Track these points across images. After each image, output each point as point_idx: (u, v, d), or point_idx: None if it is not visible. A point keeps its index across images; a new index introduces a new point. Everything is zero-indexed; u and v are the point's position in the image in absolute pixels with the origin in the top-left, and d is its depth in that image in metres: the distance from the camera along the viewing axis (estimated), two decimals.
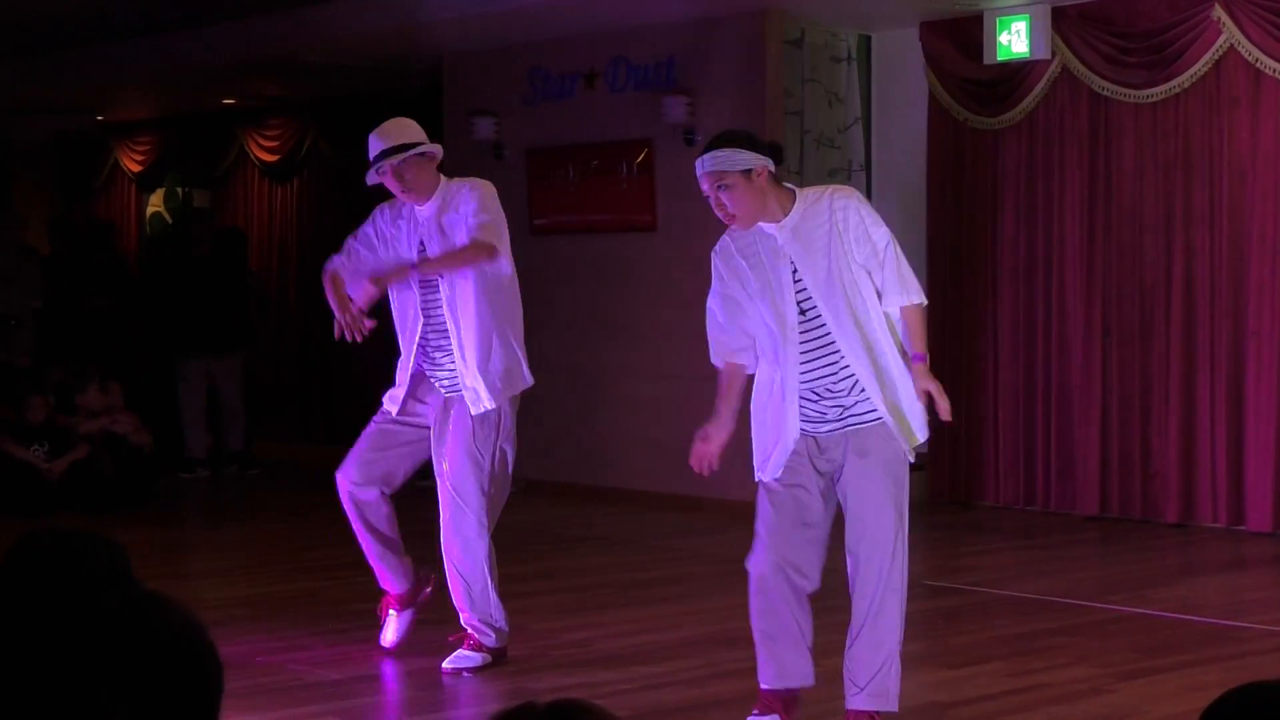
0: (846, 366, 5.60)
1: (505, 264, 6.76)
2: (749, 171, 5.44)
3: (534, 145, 12.28)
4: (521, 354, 6.77)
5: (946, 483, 11.70)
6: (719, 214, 5.50)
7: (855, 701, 5.65)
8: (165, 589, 2.41)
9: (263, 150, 15.93)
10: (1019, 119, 11.22)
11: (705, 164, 5.47)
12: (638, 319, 11.72)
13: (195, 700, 2.25)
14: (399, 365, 6.79)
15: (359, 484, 6.70)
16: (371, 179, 6.75)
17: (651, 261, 11.59)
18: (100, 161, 18.20)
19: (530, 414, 12.31)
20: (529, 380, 6.85)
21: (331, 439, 12.43)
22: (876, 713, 5.64)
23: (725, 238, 5.64)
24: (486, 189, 6.78)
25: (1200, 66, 10.30)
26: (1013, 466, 11.36)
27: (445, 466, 6.69)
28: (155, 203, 17.72)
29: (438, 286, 6.67)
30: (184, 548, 10.52)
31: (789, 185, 5.63)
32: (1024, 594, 8.42)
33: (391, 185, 6.68)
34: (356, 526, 6.77)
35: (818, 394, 5.59)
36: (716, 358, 5.72)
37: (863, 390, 5.64)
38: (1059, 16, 10.88)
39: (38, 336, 14.29)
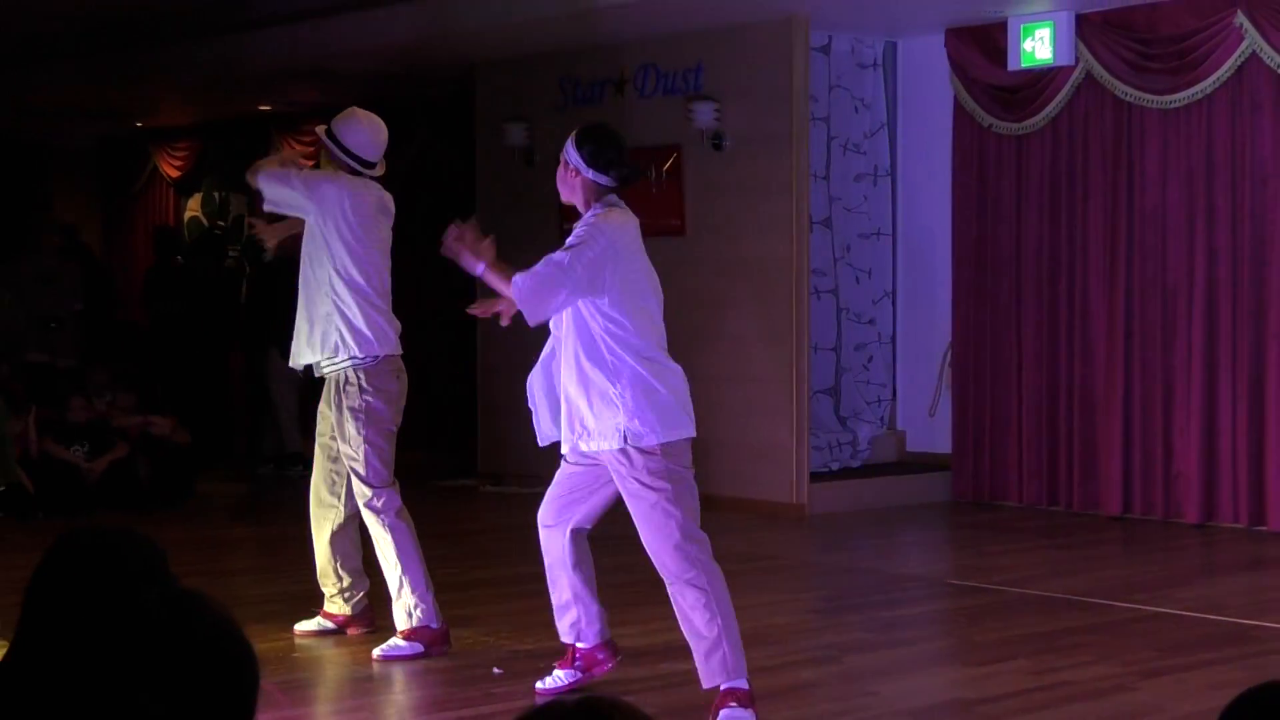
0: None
1: None
2: (566, 163, 5.97)
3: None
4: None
5: (971, 483, 11.68)
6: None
7: None
8: (203, 586, 2.42)
9: (298, 154, 15.96)
10: (1043, 124, 11.19)
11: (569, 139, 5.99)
12: (667, 321, 11.67)
13: (231, 695, 2.26)
14: None
15: None
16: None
17: (680, 264, 11.57)
18: (139, 166, 18.28)
19: None
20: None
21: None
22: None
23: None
24: None
25: (1223, 72, 10.26)
26: (1036, 467, 11.34)
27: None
28: (193, 207, 17.78)
29: None
30: (223, 546, 10.55)
31: (610, 201, 5.98)
32: (1048, 593, 8.40)
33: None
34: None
35: None
36: None
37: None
38: (1082, 23, 10.85)
39: (84, 338, 14.35)
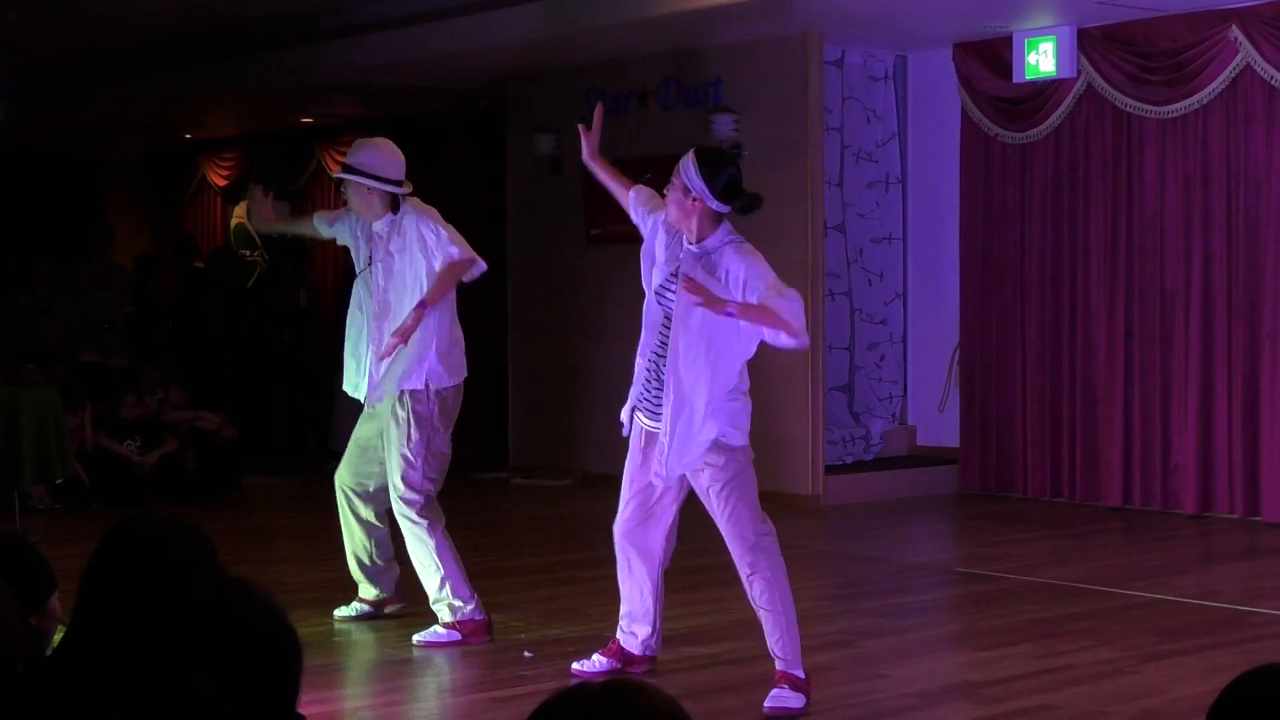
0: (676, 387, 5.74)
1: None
2: (688, 190, 5.73)
3: None
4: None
5: (978, 476, 11.66)
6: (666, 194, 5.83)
7: None
8: (249, 574, 2.43)
9: (338, 165, 15.98)
10: (1046, 134, 11.16)
11: (683, 160, 5.81)
12: None
13: (277, 677, 2.27)
14: None
15: None
16: (339, 175, 7.08)
17: None
18: (188, 176, 18.33)
19: (590, 411, 12.35)
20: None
21: None
22: None
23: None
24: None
25: (1219, 84, 10.23)
26: (1040, 461, 11.31)
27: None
28: (239, 214, 17.82)
29: None
30: (268, 536, 10.58)
31: (726, 228, 5.81)
32: (1051, 580, 8.38)
33: (350, 194, 6.98)
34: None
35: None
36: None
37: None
38: (1084, 37, 10.83)
39: (131, 338, 14.40)
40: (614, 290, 11.86)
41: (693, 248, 5.78)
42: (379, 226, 6.93)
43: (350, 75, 13.04)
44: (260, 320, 14.85)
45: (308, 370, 14.35)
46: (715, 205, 5.73)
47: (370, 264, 6.93)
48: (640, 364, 5.95)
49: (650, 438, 5.90)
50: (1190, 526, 10.25)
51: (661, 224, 5.93)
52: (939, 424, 12.14)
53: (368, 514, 7.11)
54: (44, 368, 12.42)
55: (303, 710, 2.34)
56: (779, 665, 5.78)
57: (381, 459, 6.94)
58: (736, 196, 5.77)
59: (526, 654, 6.60)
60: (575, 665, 6.28)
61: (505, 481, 12.58)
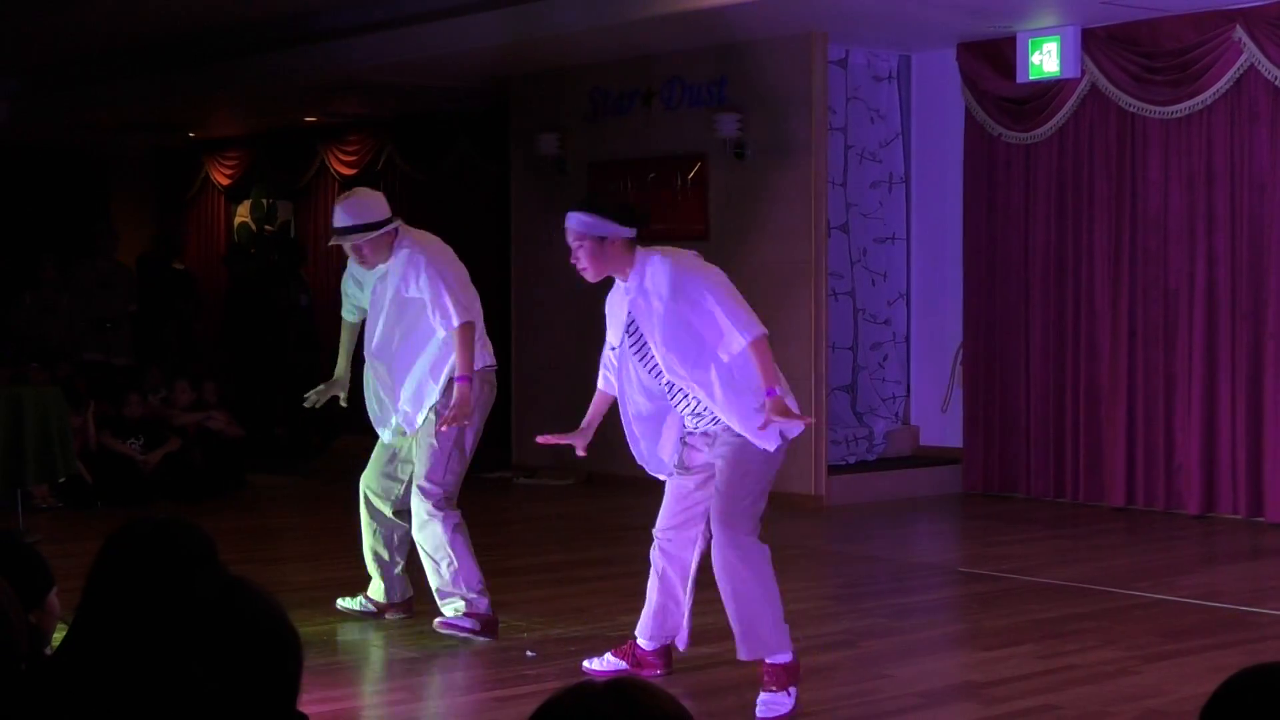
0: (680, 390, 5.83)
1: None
2: (602, 239, 5.78)
3: (594, 159, 12.30)
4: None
5: (981, 476, 11.66)
6: (574, 263, 5.89)
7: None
8: (252, 573, 2.43)
9: (342, 164, 16.02)
10: (1050, 134, 11.16)
11: (568, 222, 5.85)
12: None
13: (278, 675, 2.27)
14: None
15: None
16: (335, 242, 6.99)
17: None
18: (192, 175, 18.35)
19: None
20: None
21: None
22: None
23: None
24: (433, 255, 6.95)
25: (1222, 84, 10.22)
26: (1044, 461, 11.31)
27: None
28: (242, 213, 17.84)
29: None
30: (272, 534, 10.58)
31: (640, 251, 5.85)
32: (1055, 581, 8.37)
33: (352, 253, 6.93)
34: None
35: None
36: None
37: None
38: (1088, 37, 10.82)
39: (137, 338, 14.42)
40: None
41: (626, 286, 5.87)
42: (383, 267, 6.95)
43: (354, 74, 13.04)
44: (260, 319, 14.85)
45: (308, 370, 14.35)
46: (628, 233, 5.82)
47: (381, 305, 6.96)
48: (639, 424, 6.01)
49: (704, 440, 5.93)
50: (1194, 527, 10.24)
51: (610, 305, 6.04)
52: (942, 424, 12.14)
53: (388, 511, 7.11)
54: (48, 367, 12.43)
55: (304, 709, 2.34)
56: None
57: (408, 475, 7.02)
58: (631, 214, 5.91)
59: (529, 653, 6.60)
60: (586, 663, 6.28)
61: (509, 481, 12.57)
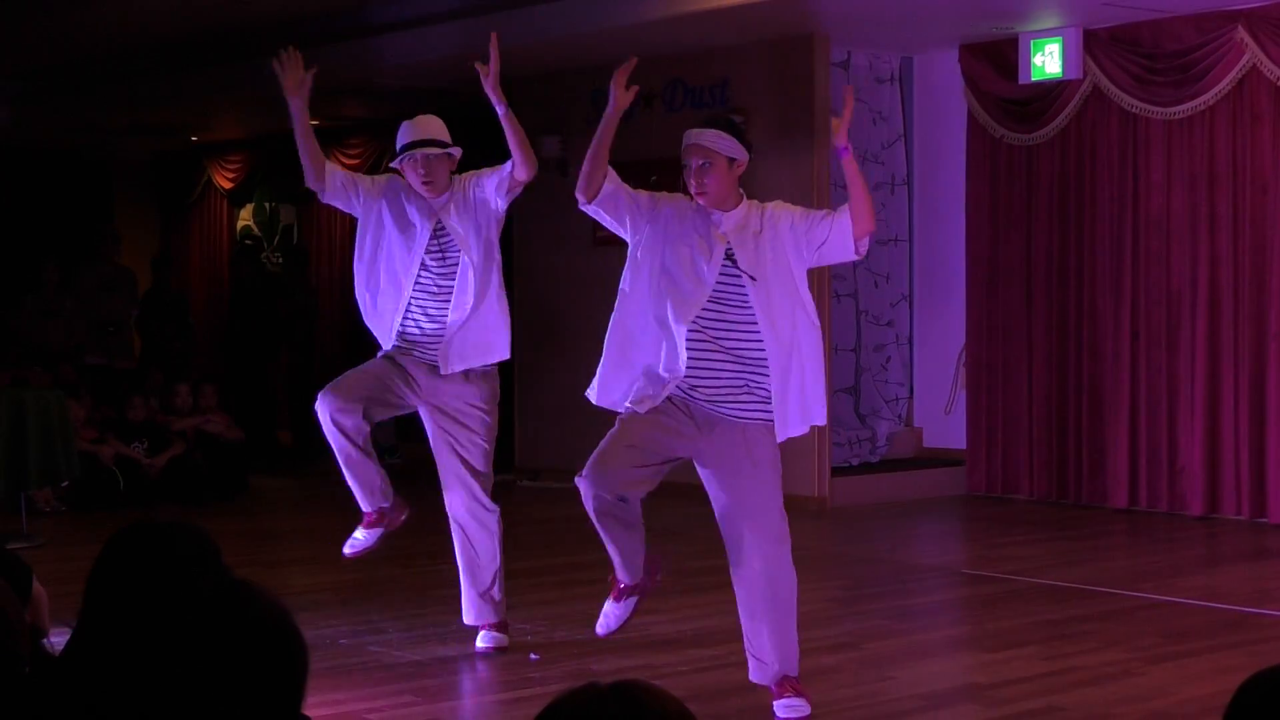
0: (760, 350, 5.57)
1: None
2: (733, 160, 5.54)
3: None
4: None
5: (984, 478, 11.65)
6: (691, 183, 5.57)
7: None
8: (256, 576, 2.42)
9: (345, 167, 15.99)
10: (1052, 135, 11.16)
11: (701, 137, 5.55)
12: None
13: (283, 678, 2.26)
14: None
15: None
16: (398, 162, 6.65)
17: None
18: (194, 179, 18.35)
19: (596, 413, 12.33)
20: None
21: (418, 437, 12.47)
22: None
23: (684, 202, 5.67)
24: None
25: (1225, 85, 10.22)
26: (1046, 462, 11.30)
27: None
28: (245, 217, 17.86)
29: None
30: (275, 537, 10.58)
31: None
32: (1058, 582, 8.37)
33: (414, 175, 6.59)
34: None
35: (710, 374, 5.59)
36: (612, 182, 5.85)
37: (749, 385, 5.61)
38: (1090, 38, 10.82)
39: (143, 341, 14.43)
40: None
41: (725, 217, 5.57)
42: (441, 200, 6.66)
43: (357, 77, 13.04)
44: (264, 324, 14.85)
45: (307, 372, 14.35)
46: (747, 161, 5.61)
47: (434, 239, 6.63)
48: (648, 352, 5.73)
49: (706, 415, 5.67)
50: (1197, 528, 10.24)
51: (669, 217, 5.70)
52: (945, 426, 12.13)
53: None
54: (50, 370, 12.43)
55: (309, 713, 2.34)
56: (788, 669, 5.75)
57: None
58: (748, 145, 5.67)
59: (533, 656, 6.59)
60: (599, 629, 6.13)
61: (512, 484, 12.57)
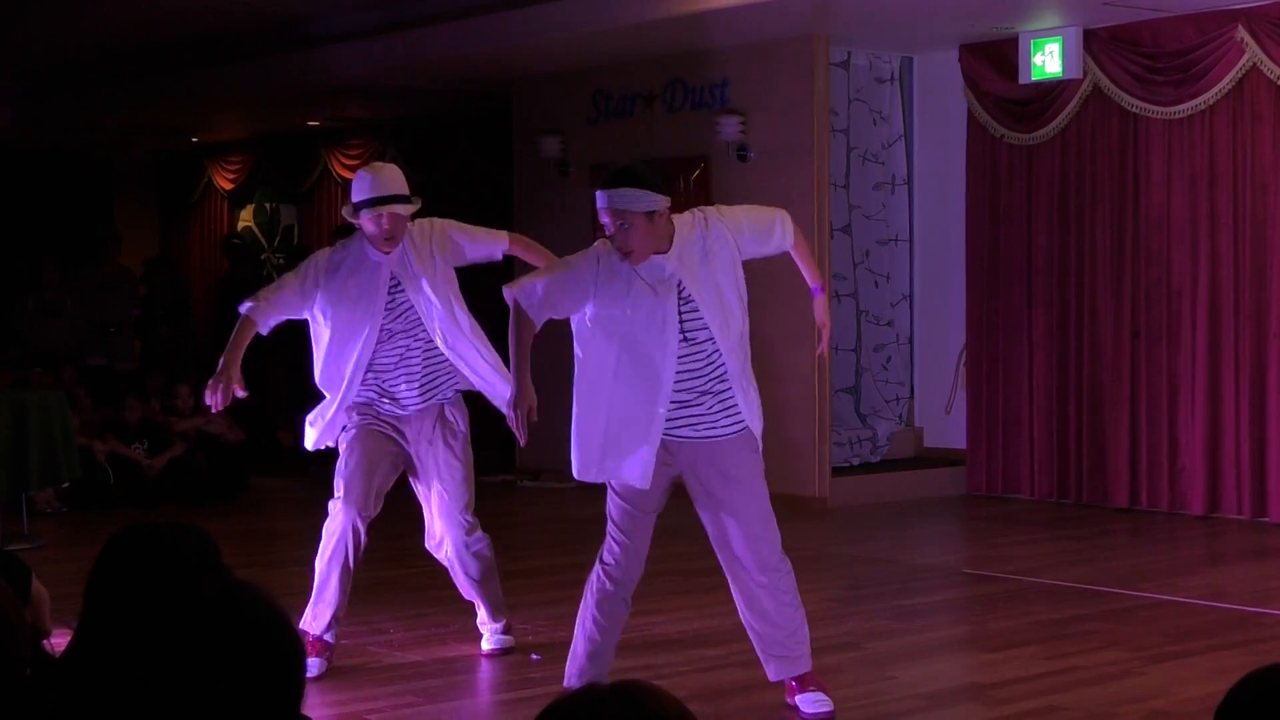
0: (723, 378, 5.52)
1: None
2: (651, 213, 5.33)
3: (597, 162, 12.29)
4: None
5: (984, 477, 11.65)
6: (618, 248, 5.37)
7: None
8: (256, 577, 2.42)
9: (345, 168, 16.02)
10: (1053, 135, 11.15)
11: (611, 200, 5.32)
12: None
13: (282, 679, 2.26)
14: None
15: None
16: (358, 217, 6.41)
17: None
18: (195, 180, 18.37)
19: None
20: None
21: None
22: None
23: (606, 251, 5.49)
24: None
25: (1225, 84, 10.22)
26: (1047, 462, 11.30)
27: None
28: (245, 218, 17.87)
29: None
30: (275, 538, 10.58)
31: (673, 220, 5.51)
32: (1059, 582, 8.36)
33: (375, 229, 6.37)
34: None
35: (683, 401, 5.53)
36: (536, 312, 5.66)
37: (733, 399, 5.56)
38: (1090, 38, 10.81)
39: (144, 342, 14.43)
40: None
41: (666, 258, 5.42)
42: (396, 253, 6.47)
43: (357, 78, 13.05)
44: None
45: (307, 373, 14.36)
46: (667, 201, 5.40)
47: (394, 294, 6.49)
48: (627, 412, 5.56)
49: (679, 450, 5.60)
50: (1198, 527, 10.23)
51: (607, 271, 5.48)
52: (946, 425, 12.13)
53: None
54: (51, 371, 12.43)
55: (309, 713, 2.34)
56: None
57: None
58: (665, 181, 5.48)
59: (534, 656, 6.59)
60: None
61: (512, 484, 12.57)
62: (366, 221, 6.40)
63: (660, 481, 5.62)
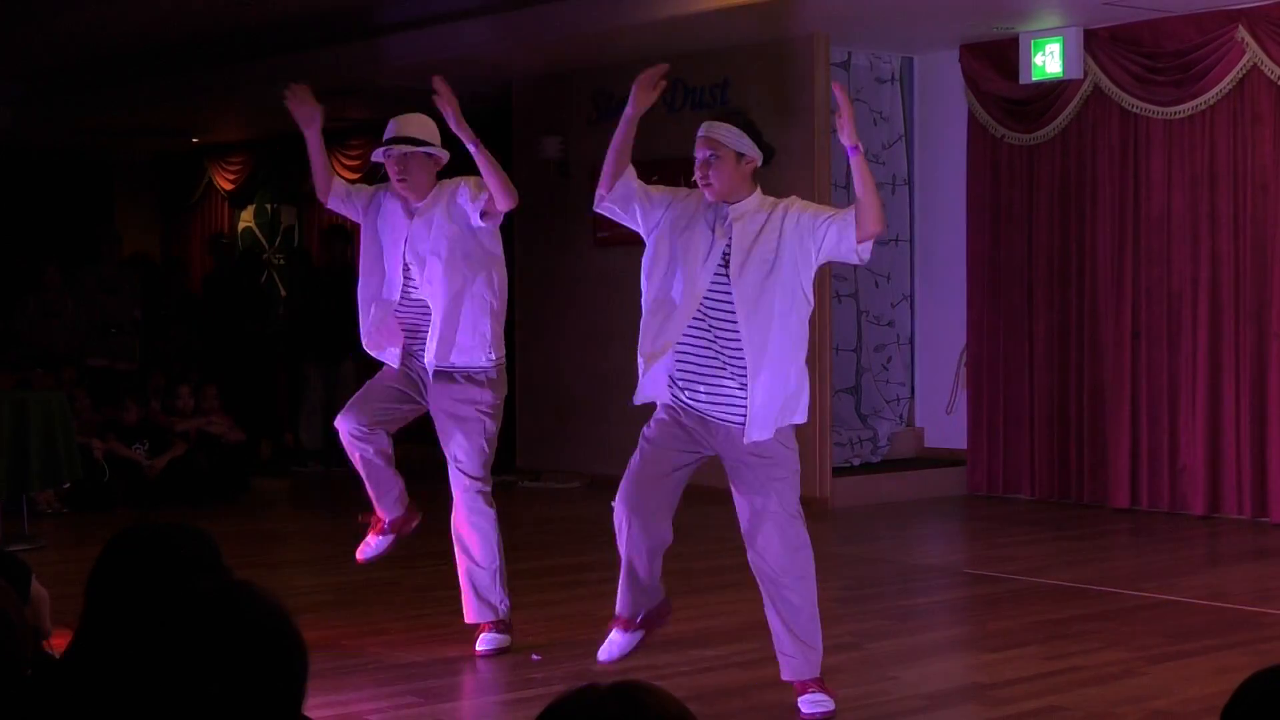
0: (739, 355, 5.54)
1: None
2: (741, 155, 5.57)
3: (597, 163, 12.21)
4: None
5: (985, 478, 11.65)
6: (699, 176, 5.60)
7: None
8: (257, 577, 2.42)
9: (345, 169, 16.01)
10: (1053, 135, 11.15)
11: (710, 129, 5.60)
12: None
13: (283, 680, 2.26)
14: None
15: None
16: (377, 156, 6.76)
17: None
18: (195, 180, 18.37)
19: (597, 414, 12.36)
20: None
21: (429, 439, 12.47)
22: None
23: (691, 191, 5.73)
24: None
25: (1225, 84, 10.22)
26: (1048, 462, 11.30)
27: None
28: (246, 218, 17.86)
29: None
30: (275, 539, 10.58)
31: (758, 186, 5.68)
32: (1059, 582, 8.36)
33: (391, 170, 6.65)
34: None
35: (701, 369, 5.62)
36: (629, 178, 5.85)
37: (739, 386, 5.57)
38: (1091, 38, 10.81)
39: (144, 343, 14.41)
40: (621, 293, 11.85)
41: (733, 209, 5.58)
42: (422, 203, 6.67)
43: (357, 78, 13.05)
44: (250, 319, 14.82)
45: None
46: (759, 160, 5.63)
47: (408, 241, 6.65)
48: (653, 349, 5.66)
49: (698, 418, 5.68)
50: (1198, 527, 10.23)
51: (683, 208, 5.72)
52: (946, 426, 12.13)
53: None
54: (52, 372, 12.43)
55: (310, 713, 2.33)
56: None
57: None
58: (765, 146, 5.68)
59: (534, 656, 6.59)
60: (602, 656, 6.14)
61: (513, 484, 12.57)
62: (386, 163, 6.71)
63: (679, 445, 5.68)
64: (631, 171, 5.85)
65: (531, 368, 12.93)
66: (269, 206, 17.53)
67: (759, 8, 10.24)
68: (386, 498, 6.83)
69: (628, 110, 5.78)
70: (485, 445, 6.74)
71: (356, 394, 6.85)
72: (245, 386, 14.23)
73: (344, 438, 6.73)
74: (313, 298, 13.72)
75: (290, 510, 12.16)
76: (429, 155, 6.68)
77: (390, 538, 6.90)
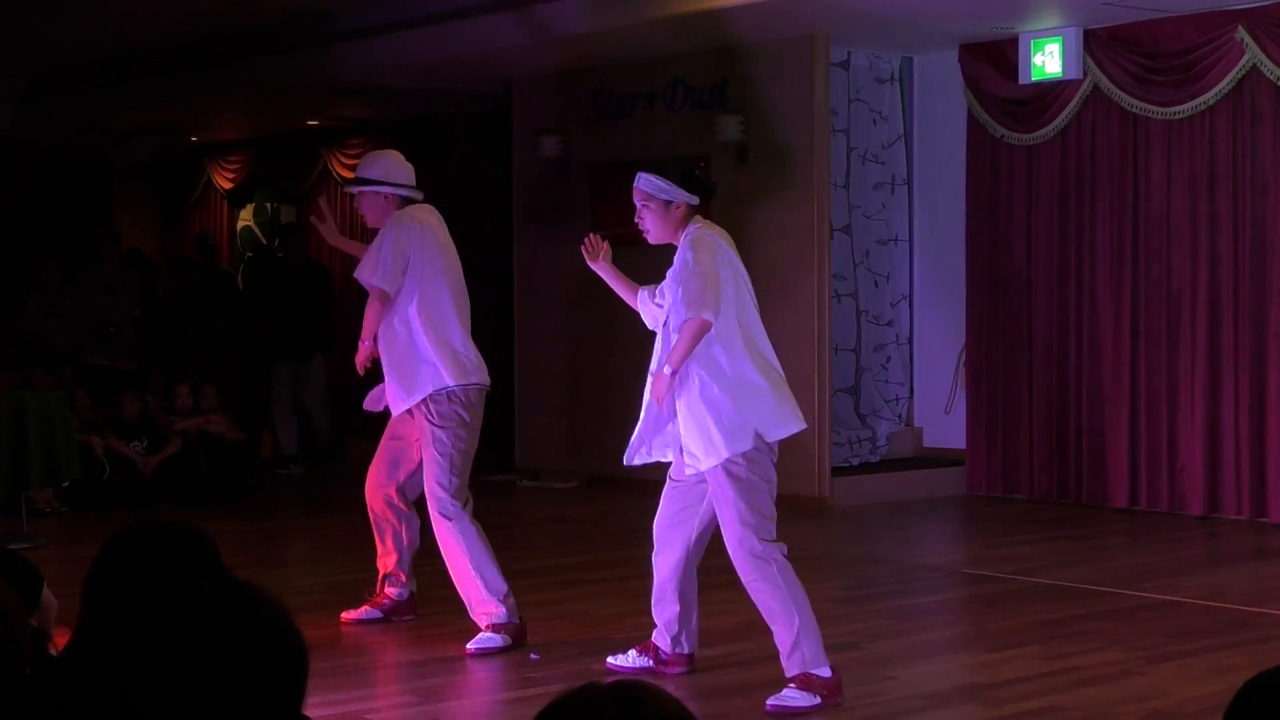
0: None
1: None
2: (669, 203, 6.00)
3: (597, 162, 12.30)
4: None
5: (984, 477, 11.65)
6: (637, 223, 6.08)
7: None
8: (256, 576, 2.42)
9: (345, 168, 16.01)
10: (1052, 135, 11.15)
11: (638, 182, 6.05)
12: None
13: (283, 679, 2.26)
14: None
15: None
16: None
17: None
18: (194, 179, 18.36)
19: (597, 413, 12.35)
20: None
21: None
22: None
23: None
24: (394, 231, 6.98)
25: (1225, 85, 10.22)
26: (1047, 462, 11.30)
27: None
28: (245, 217, 17.85)
29: None
30: (275, 538, 10.58)
31: (697, 219, 6.07)
32: (1058, 582, 8.37)
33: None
34: None
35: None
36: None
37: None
38: (1090, 38, 10.81)
39: (142, 342, 14.41)
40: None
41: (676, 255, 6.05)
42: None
43: (357, 78, 13.04)
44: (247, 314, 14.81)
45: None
46: (692, 200, 6.03)
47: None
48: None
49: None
50: (1197, 528, 10.23)
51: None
52: (946, 425, 12.13)
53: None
54: (51, 371, 12.42)
55: (310, 713, 2.33)
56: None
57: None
58: (697, 184, 6.11)
59: (533, 656, 6.60)
60: (610, 659, 6.28)
61: (512, 484, 12.57)
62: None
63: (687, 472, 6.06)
64: (642, 295, 6.30)
65: (531, 366, 12.93)
66: (268, 205, 17.52)
67: (759, 8, 10.24)
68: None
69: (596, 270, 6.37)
70: (442, 455, 7.05)
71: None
72: (241, 384, 14.25)
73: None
74: (279, 295, 13.69)
75: (290, 510, 12.15)
76: (376, 193, 7.11)
77: (378, 615, 7.22)
